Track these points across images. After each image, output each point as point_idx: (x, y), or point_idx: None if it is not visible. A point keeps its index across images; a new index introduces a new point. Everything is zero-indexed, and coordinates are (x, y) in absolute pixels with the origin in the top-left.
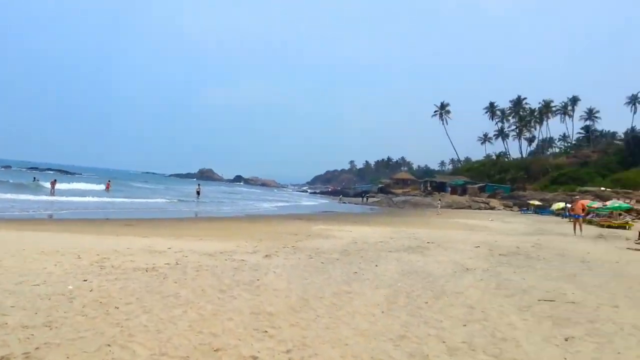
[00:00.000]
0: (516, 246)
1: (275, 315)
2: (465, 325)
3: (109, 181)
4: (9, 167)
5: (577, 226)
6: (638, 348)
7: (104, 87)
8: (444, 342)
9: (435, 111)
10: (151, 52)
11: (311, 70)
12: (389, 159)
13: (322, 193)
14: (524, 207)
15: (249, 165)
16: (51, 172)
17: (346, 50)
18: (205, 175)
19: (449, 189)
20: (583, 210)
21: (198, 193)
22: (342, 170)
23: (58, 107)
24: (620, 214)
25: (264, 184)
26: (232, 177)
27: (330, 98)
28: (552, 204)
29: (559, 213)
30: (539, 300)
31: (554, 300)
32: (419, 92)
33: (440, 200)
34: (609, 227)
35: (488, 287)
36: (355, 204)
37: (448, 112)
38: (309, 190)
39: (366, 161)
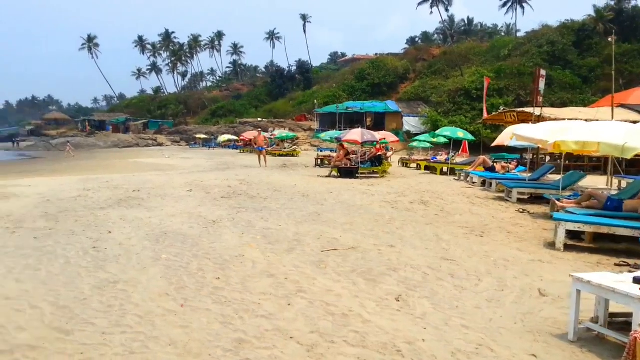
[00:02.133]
0: (227, 185)
1: None
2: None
3: None
4: None
5: (262, 158)
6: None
7: None
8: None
9: (83, 44)
10: None
11: None
12: (34, 98)
13: None
14: (192, 142)
15: None
16: None
17: None
18: None
19: (110, 127)
20: (266, 143)
21: None
22: None
23: None
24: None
25: None
26: None
27: None
28: (217, 137)
29: (226, 145)
30: (322, 251)
31: (337, 249)
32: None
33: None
34: (280, 155)
35: (261, 244)
36: (6, 149)
37: (97, 45)
38: None
39: (6, 101)
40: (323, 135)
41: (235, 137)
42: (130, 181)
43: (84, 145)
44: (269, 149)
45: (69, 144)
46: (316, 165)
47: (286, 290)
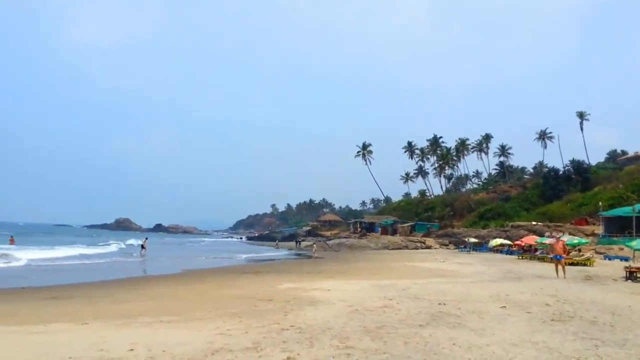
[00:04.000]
0: (545, 303)
1: None
2: None
3: (12, 237)
4: None
5: (560, 268)
6: None
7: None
8: None
9: (358, 152)
10: (55, 99)
11: (221, 124)
12: (310, 201)
13: (249, 238)
14: (461, 245)
15: (167, 214)
16: None
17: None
18: (123, 225)
19: (379, 229)
20: (565, 250)
21: (143, 247)
22: (265, 214)
23: None
24: (579, 250)
25: (185, 232)
26: (151, 226)
27: (245, 148)
28: (488, 241)
29: (498, 249)
30: None
31: None
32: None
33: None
34: (571, 264)
35: None
36: (289, 248)
37: (370, 152)
38: (234, 237)
39: (288, 204)
40: (634, 243)
41: (508, 242)
42: (427, 290)
43: (356, 247)
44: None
45: (314, 245)
46: (627, 278)
47: None
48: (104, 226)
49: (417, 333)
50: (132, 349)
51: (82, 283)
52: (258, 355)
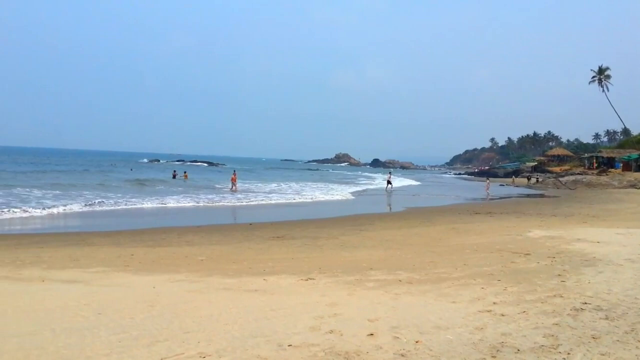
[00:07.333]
0: None
1: None
2: None
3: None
4: (157, 160)
5: None
6: None
7: (239, 76)
8: None
9: (593, 77)
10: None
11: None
12: (535, 134)
13: (467, 174)
14: None
15: (383, 149)
16: (197, 163)
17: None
18: (342, 160)
19: (620, 164)
20: None
21: (389, 182)
22: (483, 149)
23: (197, 98)
24: None
25: (402, 167)
26: (369, 161)
27: (463, 74)
28: None
29: None
30: None
31: None
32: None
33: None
34: None
35: None
36: (516, 185)
37: (608, 77)
38: (450, 172)
39: (508, 137)
40: None
41: None
42: None
43: (595, 184)
44: None
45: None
46: None
47: None
48: (325, 161)
49: None
50: (371, 333)
51: (308, 220)
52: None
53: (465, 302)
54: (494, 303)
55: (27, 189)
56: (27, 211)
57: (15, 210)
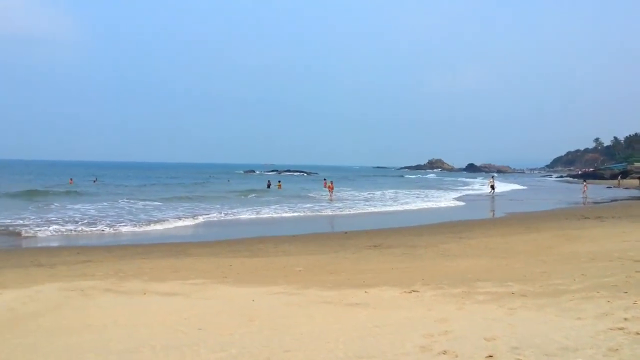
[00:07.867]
0: None
1: None
2: None
3: (326, 180)
4: (252, 171)
5: None
6: None
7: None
8: None
9: None
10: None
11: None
12: None
13: (570, 176)
14: None
15: (478, 153)
16: (290, 173)
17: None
18: (435, 166)
19: None
20: None
21: (492, 187)
22: (586, 150)
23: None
24: None
25: (499, 171)
26: (463, 166)
27: (565, 69)
28: None
29: None
30: None
31: None
32: None
33: None
34: None
35: None
36: (625, 187)
37: None
38: (552, 175)
39: (615, 137)
40: None
41: None
42: None
43: None
44: None
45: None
46: None
47: None
48: (417, 167)
49: None
50: (490, 355)
51: (403, 227)
52: None
53: (591, 319)
54: (625, 319)
55: (149, 202)
56: (136, 224)
57: (124, 223)
